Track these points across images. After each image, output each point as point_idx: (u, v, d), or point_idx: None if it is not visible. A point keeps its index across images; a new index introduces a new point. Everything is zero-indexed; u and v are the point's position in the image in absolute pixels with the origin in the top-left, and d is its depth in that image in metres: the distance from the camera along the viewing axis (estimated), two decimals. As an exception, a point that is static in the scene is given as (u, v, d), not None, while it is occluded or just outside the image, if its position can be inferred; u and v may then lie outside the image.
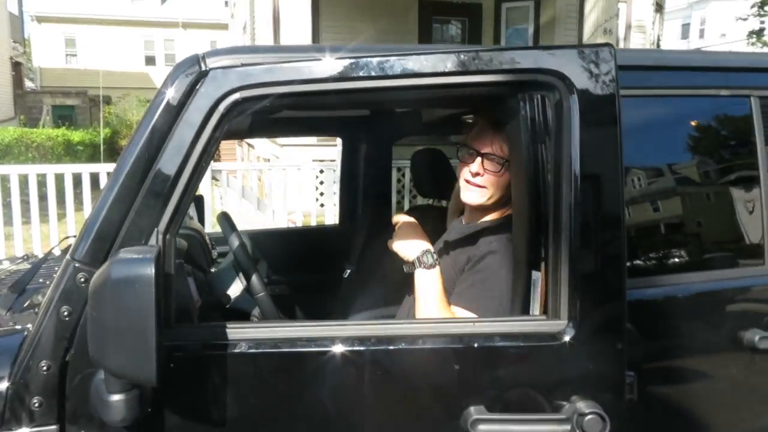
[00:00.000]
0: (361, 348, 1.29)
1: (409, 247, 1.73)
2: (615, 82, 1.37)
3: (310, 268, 3.09)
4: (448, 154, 2.62)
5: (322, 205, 8.08)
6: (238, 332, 1.27)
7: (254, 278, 1.78)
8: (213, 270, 2.18)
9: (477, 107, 1.70)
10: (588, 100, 1.35)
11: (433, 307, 1.65)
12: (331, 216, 7.57)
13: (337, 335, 1.29)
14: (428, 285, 1.67)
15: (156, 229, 1.24)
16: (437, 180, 2.68)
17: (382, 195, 3.07)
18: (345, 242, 3.07)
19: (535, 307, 1.52)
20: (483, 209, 1.82)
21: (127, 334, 1.08)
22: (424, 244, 1.73)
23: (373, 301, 2.55)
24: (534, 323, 1.35)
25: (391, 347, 1.29)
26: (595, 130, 1.36)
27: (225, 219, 1.95)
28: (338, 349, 1.28)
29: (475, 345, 1.27)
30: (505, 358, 1.30)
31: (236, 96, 1.25)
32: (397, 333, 1.29)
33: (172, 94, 1.28)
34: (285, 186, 7.54)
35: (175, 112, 1.26)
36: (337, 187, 8.22)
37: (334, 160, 7.66)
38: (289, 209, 7.48)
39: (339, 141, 8.42)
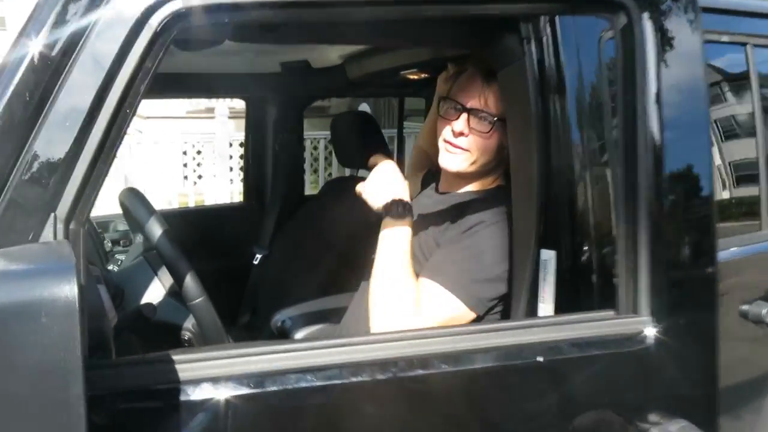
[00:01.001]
0: (385, 376, 0.86)
1: (378, 192, 1.38)
2: (696, 12, 1.09)
3: (210, 253, 2.60)
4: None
5: (195, 183, 7.35)
6: (195, 366, 0.80)
7: (189, 278, 1.31)
8: (113, 268, 1.66)
9: (467, 45, 1.35)
10: (668, 28, 1.06)
11: (392, 271, 1.31)
12: (211, 197, 6.92)
13: (346, 361, 0.85)
14: (392, 240, 1.34)
15: (53, 214, 0.76)
16: (365, 147, 2.32)
17: (295, 167, 2.65)
18: (252, 223, 2.61)
19: (546, 292, 1.22)
20: (463, 177, 1.49)
21: (30, 404, 0.62)
22: (398, 192, 1.37)
23: (298, 292, 2.15)
24: (607, 323, 1.01)
25: (428, 371, 0.88)
26: (677, 69, 1.07)
27: (135, 197, 1.40)
28: (353, 382, 0.83)
29: (540, 359, 0.93)
30: (577, 372, 0.97)
31: (179, 4, 0.80)
32: (433, 351, 0.89)
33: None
34: (160, 163, 6.76)
35: (78, 29, 0.79)
36: (217, 164, 7.70)
37: (213, 134, 7.01)
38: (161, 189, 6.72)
39: (217, 112, 7.83)
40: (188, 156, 7.33)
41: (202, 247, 2.56)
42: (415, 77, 1.99)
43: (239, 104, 8.35)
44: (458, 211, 1.43)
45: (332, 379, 0.80)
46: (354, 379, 0.82)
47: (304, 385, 0.80)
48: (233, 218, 2.71)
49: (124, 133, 0.82)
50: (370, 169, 2.28)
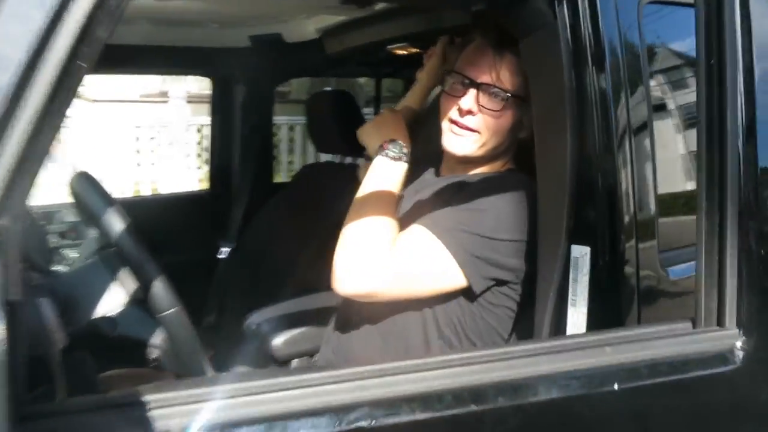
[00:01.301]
0: (429, 415, 0.65)
1: (375, 133, 1.28)
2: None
3: (169, 246, 2.35)
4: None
5: (148, 170, 6.95)
6: (175, 412, 0.56)
7: (159, 284, 1.08)
8: (59, 270, 1.41)
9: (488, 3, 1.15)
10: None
11: (372, 206, 1.18)
12: (166, 185, 6.57)
13: (378, 397, 0.63)
14: (379, 178, 1.22)
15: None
16: (343, 131, 2.12)
17: (265, 151, 2.42)
18: (217, 213, 2.38)
19: (577, 294, 1.06)
20: (469, 161, 1.30)
21: None
22: (398, 134, 1.25)
23: (272, 290, 1.94)
24: (686, 339, 0.82)
25: (482, 407, 0.68)
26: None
27: (89, 183, 1.12)
28: (387, 424, 0.62)
29: (615, 386, 0.75)
30: (659, 403, 0.79)
31: None
32: (486, 380, 0.69)
33: None
34: (111, 149, 6.36)
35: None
36: (173, 150, 7.30)
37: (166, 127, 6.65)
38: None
39: (172, 95, 7.43)
40: (141, 142, 6.94)
41: (161, 239, 2.32)
42: (403, 52, 1.80)
43: (196, 87, 8.04)
44: (462, 191, 1.25)
45: (359, 420, 0.61)
46: (388, 421, 0.63)
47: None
48: (196, 208, 2.46)
49: (71, 100, 0.60)
50: (350, 150, 2.10)
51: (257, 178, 2.37)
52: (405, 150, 1.23)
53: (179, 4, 1.76)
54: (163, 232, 2.32)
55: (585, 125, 1.04)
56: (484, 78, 1.22)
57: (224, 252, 2.29)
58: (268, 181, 2.47)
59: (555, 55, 1.04)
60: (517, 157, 1.34)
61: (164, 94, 7.57)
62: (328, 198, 2.05)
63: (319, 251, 1.95)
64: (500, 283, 1.16)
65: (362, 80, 4.27)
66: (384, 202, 1.19)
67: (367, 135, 1.30)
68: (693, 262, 1.08)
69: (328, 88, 2.47)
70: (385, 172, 1.23)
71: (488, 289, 1.16)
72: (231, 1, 1.82)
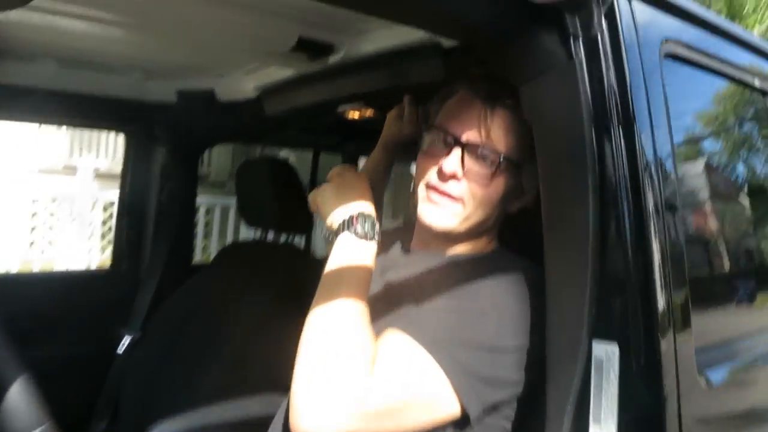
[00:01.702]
0: None
1: (335, 200, 1.01)
2: None
3: (57, 334, 1.93)
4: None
5: (43, 252, 6.28)
6: None
7: (24, 395, 0.72)
8: None
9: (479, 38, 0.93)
10: None
11: (341, 310, 0.88)
12: (63, 266, 5.93)
13: None
14: (348, 264, 0.94)
15: None
16: (281, 203, 1.85)
17: (184, 225, 2.09)
18: (120, 296, 1.99)
19: (603, 406, 0.81)
20: (448, 238, 1.06)
21: None
22: (363, 205, 0.99)
23: (179, 395, 1.56)
24: None
25: None
26: None
27: None
28: None
29: None
30: None
31: None
32: None
33: None
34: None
35: None
36: (75, 228, 6.62)
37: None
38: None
39: (81, 166, 6.86)
40: (38, 218, 6.30)
41: (46, 325, 1.90)
42: (356, 115, 1.59)
43: (105, 164, 7.54)
44: (448, 279, 1.00)
45: None
46: None
47: None
48: (93, 288, 2.05)
49: None
50: (289, 227, 1.82)
51: (173, 256, 2.02)
52: (376, 227, 0.97)
53: (96, 44, 1.49)
54: (50, 315, 1.91)
55: (609, 191, 0.83)
56: (472, 136, 1.00)
57: (125, 342, 1.89)
58: (186, 262, 2.12)
59: (571, 104, 0.84)
60: (501, 234, 1.12)
61: (71, 168, 7.03)
62: (255, 282, 1.74)
63: (242, 345, 1.62)
64: (501, 404, 0.90)
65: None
66: (355, 298, 0.90)
67: (325, 202, 1.03)
68: (733, 363, 0.87)
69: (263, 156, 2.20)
70: (352, 254, 0.95)
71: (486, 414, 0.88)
72: (160, 48, 1.56)
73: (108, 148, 8.07)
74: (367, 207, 0.99)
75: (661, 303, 0.83)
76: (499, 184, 1.01)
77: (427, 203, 1.03)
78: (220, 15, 1.23)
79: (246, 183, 1.92)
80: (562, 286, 0.86)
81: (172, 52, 1.58)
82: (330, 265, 0.94)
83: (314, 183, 2.60)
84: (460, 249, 1.07)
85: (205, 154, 8.79)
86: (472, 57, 1.23)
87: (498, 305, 0.91)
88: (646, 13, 0.92)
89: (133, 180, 1.97)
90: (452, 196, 1.01)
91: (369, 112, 1.56)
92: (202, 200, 6.14)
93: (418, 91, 1.39)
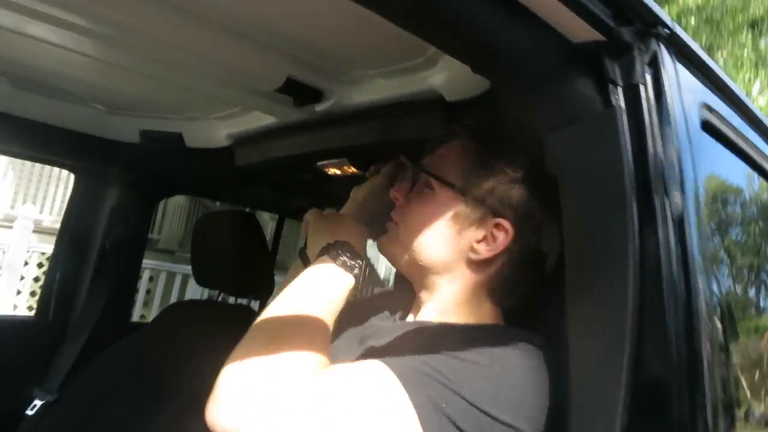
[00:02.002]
0: None
1: (327, 231, 0.95)
2: None
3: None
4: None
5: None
6: None
7: None
8: None
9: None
10: None
11: (301, 313, 0.79)
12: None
13: None
14: (321, 285, 0.85)
15: None
16: (244, 261, 1.67)
17: (127, 276, 1.86)
18: (39, 351, 1.72)
19: None
20: (436, 302, 0.95)
21: None
22: (351, 235, 0.93)
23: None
24: None
25: None
26: None
27: None
28: None
29: None
30: None
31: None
32: None
33: None
34: None
35: None
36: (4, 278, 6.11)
37: None
38: None
39: (20, 217, 6.45)
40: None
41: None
42: (337, 171, 1.47)
43: (48, 219, 7.13)
44: (432, 339, 0.85)
45: None
46: None
47: None
48: (10, 338, 1.78)
49: None
50: (248, 291, 1.65)
51: (109, 311, 1.78)
52: (360, 263, 0.88)
53: (58, 68, 1.35)
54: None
55: (651, 260, 0.71)
56: (432, 164, 0.98)
57: (37, 405, 1.62)
58: (123, 319, 1.89)
59: (610, 156, 0.74)
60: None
61: (12, 219, 6.62)
62: (202, 344, 1.52)
63: (179, 411, 1.38)
64: None
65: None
66: (316, 313, 0.79)
67: (316, 229, 0.97)
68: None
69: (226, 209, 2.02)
70: (329, 280, 0.86)
71: None
72: (127, 81, 1.42)
73: (54, 204, 7.70)
74: (356, 242, 0.91)
75: (711, 410, 0.69)
76: (434, 206, 0.94)
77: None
78: (203, 43, 1.11)
79: (204, 238, 1.74)
80: (590, 376, 0.71)
81: (140, 87, 1.44)
82: (300, 281, 0.85)
83: (275, 251, 2.43)
84: (455, 317, 0.93)
85: (157, 219, 8.51)
86: (474, 112, 1.14)
87: (504, 367, 0.76)
88: (687, 72, 0.84)
89: (77, 221, 1.77)
90: (391, 218, 1.00)
91: (352, 170, 1.43)
92: (148, 263, 5.82)
93: (408, 149, 1.29)
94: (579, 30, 0.74)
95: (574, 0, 0.68)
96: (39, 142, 1.60)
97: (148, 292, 6.50)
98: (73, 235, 1.76)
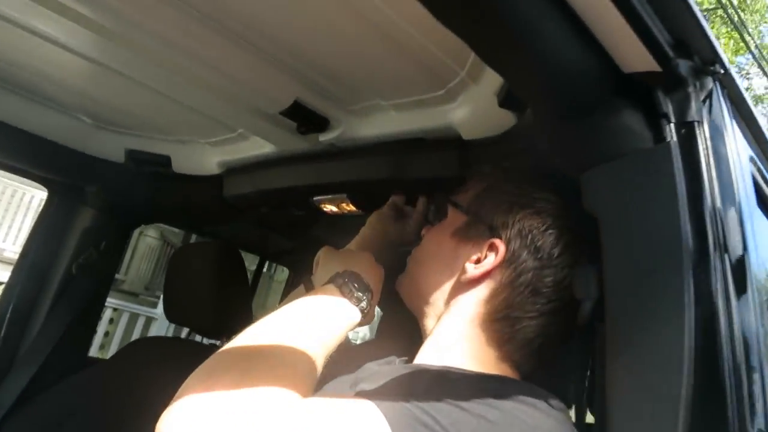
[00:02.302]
0: None
1: (341, 262, 0.86)
2: None
3: None
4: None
5: None
6: None
7: None
8: None
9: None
10: None
11: (292, 336, 0.68)
12: None
13: None
14: (324, 311, 0.76)
15: None
16: (221, 296, 1.54)
17: (90, 311, 1.71)
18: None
19: None
20: (439, 345, 0.86)
21: None
22: (366, 274, 0.83)
23: None
24: None
25: None
26: None
27: None
28: None
29: None
30: None
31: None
32: None
33: None
34: None
35: None
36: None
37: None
38: None
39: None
40: None
41: None
42: (333, 208, 1.37)
43: (11, 248, 6.85)
44: (436, 388, 0.73)
45: None
46: None
47: None
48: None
49: None
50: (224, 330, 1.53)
51: (66, 343, 1.62)
52: (369, 297, 0.80)
53: (47, 66, 1.26)
54: None
55: (707, 309, 0.62)
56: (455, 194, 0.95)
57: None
58: (81, 353, 1.72)
59: (662, 195, 0.66)
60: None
61: None
62: (166, 383, 1.38)
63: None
64: None
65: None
66: (307, 341, 0.68)
67: (327, 260, 0.90)
68: None
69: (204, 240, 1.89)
70: (329, 309, 0.77)
71: None
72: (118, 94, 1.34)
73: (20, 234, 7.44)
74: (368, 276, 0.83)
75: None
76: (441, 230, 0.92)
77: None
78: (211, 51, 1.04)
79: (180, 269, 1.62)
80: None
81: (133, 99, 1.35)
82: (291, 303, 0.75)
83: (255, 288, 2.29)
84: (456, 357, 0.83)
85: (125, 261, 8.22)
86: (492, 153, 1.07)
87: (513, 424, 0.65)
88: (735, 117, 0.79)
89: (43, 239, 1.63)
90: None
91: (349, 207, 1.35)
92: (110, 302, 5.56)
93: (414, 189, 1.21)
94: (634, 57, 0.68)
95: (639, 21, 0.62)
96: (15, 149, 1.48)
97: (106, 334, 6.19)
98: (37, 255, 1.62)
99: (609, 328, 0.66)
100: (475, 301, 0.84)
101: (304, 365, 0.65)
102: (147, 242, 8.69)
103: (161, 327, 5.52)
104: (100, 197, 1.65)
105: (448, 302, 0.87)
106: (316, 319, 0.73)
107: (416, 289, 0.91)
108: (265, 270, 2.35)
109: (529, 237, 0.83)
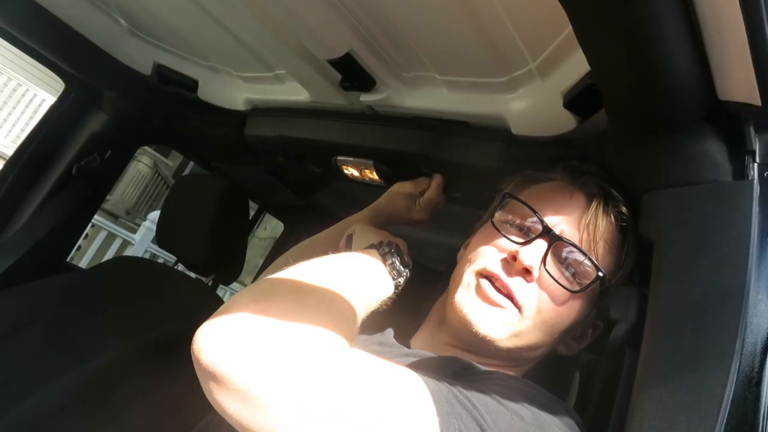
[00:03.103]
0: None
1: (377, 234, 0.84)
2: None
3: None
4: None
5: None
6: None
7: None
8: None
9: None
10: None
11: (332, 306, 0.61)
12: None
13: None
14: (363, 283, 0.69)
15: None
16: (222, 233, 1.50)
17: (83, 214, 1.65)
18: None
19: None
20: (470, 349, 0.78)
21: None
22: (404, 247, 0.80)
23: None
24: None
25: None
26: None
27: None
28: None
29: None
30: None
31: None
32: None
33: None
34: None
35: None
36: None
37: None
38: None
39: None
40: None
41: None
42: (354, 172, 1.32)
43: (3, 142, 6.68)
44: (471, 378, 0.70)
45: None
46: None
47: None
48: None
49: None
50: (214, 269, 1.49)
51: (48, 243, 1.56)
52: (407, 273, 0.77)
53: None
54: None
55: (750, 359, 0.59)
56: (570, 232, 0.76)
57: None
58: (61, 257, 1.66)
59: (729, 233, 0.62)
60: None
61: None
62: (146, 306, 1.34)
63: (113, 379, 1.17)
64: None
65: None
66: (351, 298, 0.64)
67: (363, 232, 0.87)
68: None
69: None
70: (370, 270, 0.73)
71: None
72: (170, 3, 1.27)
73: (13, 130, 7.30)
74: (406, 250, 0.79)
75: None
76: (576, 309, 0.76)
77: (475, 296, 0.76)
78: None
79: (181, 197, 1.56)
80: None
81: (175, 14, 1.29)
82: (335, 257, 0.70)
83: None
84: (473, 357, 0.78)
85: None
86: (537, 152, 1.03)
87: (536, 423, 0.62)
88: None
89: (48, 134, 1.55)
90: (513, 298, 0.74)
91: (372, 176, 1.30)
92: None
93: (452, 175, 1.17)
94: (737, 84, 0.64)
95: (763, 47, 0.57)
96: (44, 34, 1.41)
97: (78, 248, 6.10)
98: (38, 149, 1.55)
99: (644, 359, 0.62)
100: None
101: (349, 317, 0.61)
102: (138, 168, 8.58)
103: (136, 253, 5.44)
104: (117, 104, 1.59)
105: (527, 352, 0.81)
106: (362, 280, 0.70)
107: (515, 347, 0.80)
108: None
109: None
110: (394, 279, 0.73)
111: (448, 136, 1.14)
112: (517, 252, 0.73)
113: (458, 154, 1.12)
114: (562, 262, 0.75)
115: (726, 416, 0.56)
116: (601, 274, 0.73)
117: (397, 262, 0.74)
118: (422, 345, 0.82)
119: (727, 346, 0.58)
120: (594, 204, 0.76)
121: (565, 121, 0.95)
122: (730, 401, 0.56)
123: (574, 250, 0.74)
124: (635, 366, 0.63)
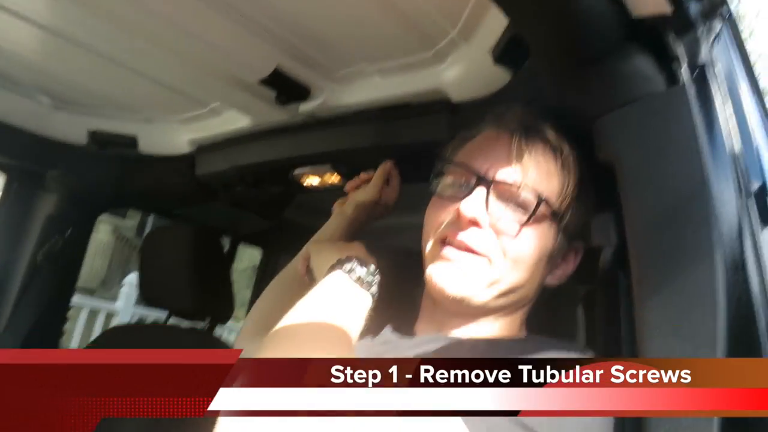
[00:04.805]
0: None
1: (335, 252, 0.83)
2: None
3: None
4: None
5: None
6: None
7: None
8: None
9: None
10: None
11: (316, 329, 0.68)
12: None
13: None
14: (335, 302, 0.73)
15: None
16: (199, 280, 1.49)
17: (58, 301, 1.63)
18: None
19: None
20: (468, 315, 0.80)
21: None
22: (364, 255, 0.81)
23: None
24: None
25: None
26: None
27: None
28: None
29: None
30: None
31: None
32: None
33: None
34: None
35: None
36: None
37: None
38: None
39: None
40: None
41: None
42: (314, 182, 1.33)
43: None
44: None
45: None
46: None
47: None
48: None
49: None
50: (206, 312, 1.49)
51: (34, 338, 1.54)
52: (376, 279, 0.77)
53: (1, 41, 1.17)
54: None
55: (733, 252, 0.62)
56: (501, 173, 0.78)
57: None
58: (48, 346, 1.63)
59: (679, 137, 0.66)
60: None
61: None
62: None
63: None
64: None
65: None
66: (341, 327, 0.69)
67: (320, 252, 0.89)
68: None
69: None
70: (341, 296, 0.74)
71: None
72: (78, 69, 1.26)
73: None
74: (366, 257, 0.80)
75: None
76: (538, 238, 0.77)
77: (441, 264, 0.77)
78: (186, 13, 0.97)
79: (155, 251, 1.55)
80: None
81: (95, 74, 1.27)
82: (306, 300, 0.72)
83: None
84: (484, 331, 0.80)
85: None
86: (483, 112, 1.05)
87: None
88: (739, 57, 0.79)
89: (3, 230, 1.53)
90: (473, 250, 0.76)
91: (333, 179, 1.31)
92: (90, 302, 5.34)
93: (401, 155, 1.18)
94: (644, 1, 0.67)
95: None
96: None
97: (61, 334, 5.96)
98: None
99: (635, 275, 0.65)
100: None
101: (345, 342, 0.65)
102: (99, 238, 8.40)
103: (123, 320, 5.35)
104: (61, 183, 1.56)
105: (515, 296, 0.82)
106: (340, 310, 0.71)
107: (494, 303, 0.81)
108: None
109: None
110: (367, 290, 0.75)
111: (394, 121, 1.16)
112: (461, 207, 0.76)
113: (407, 135, 1.14)
114: (504, 200, 0.77)
115: (725, 303, 0.59)
116: (542, 198, 0.76)
117: (362, 274, 0.76)
118: (426, 329, 0.84)
119: (707, 239, 0.61)
120: (515, 138, 0.79)
121: (498, 77, 0.98)
122: (724, 289, 0.59)
123: (509, 184, 0.76)
124: (631, 285, 0.66)
